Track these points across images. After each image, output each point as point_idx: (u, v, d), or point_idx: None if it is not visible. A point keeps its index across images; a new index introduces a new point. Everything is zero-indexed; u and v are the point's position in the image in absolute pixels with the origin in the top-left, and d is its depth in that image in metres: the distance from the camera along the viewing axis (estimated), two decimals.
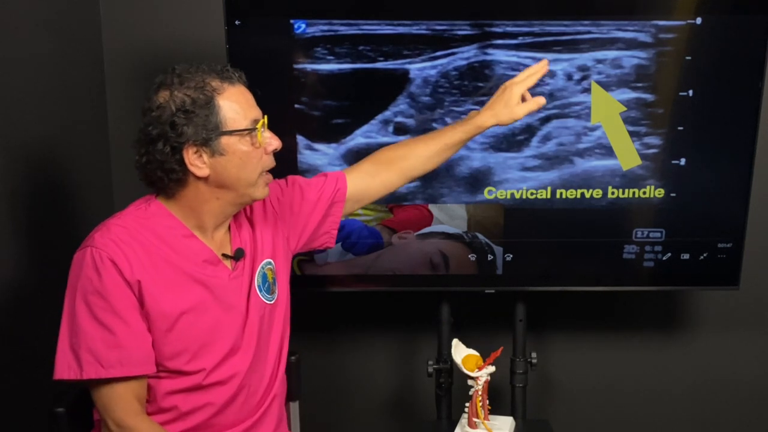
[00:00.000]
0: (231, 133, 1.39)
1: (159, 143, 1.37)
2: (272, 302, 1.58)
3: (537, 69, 1.65)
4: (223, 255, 1.51)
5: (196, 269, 1.47)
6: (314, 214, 1.66)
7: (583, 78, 1.92)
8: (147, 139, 1.39)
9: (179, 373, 1.45)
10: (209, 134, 1.37)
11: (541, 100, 1.65)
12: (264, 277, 1.56)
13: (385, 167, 1.70)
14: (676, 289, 2.31)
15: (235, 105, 1.40)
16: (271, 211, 1.62)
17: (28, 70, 1.83)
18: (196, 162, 1.39)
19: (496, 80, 1.92)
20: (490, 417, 1.87)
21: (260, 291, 1.55)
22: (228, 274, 1.50)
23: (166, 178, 1.41)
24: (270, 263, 1.59)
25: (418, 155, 1.69)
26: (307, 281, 2.06)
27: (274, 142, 1.46)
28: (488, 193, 2.00)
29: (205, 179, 1.41)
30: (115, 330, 1.38)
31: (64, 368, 1.39)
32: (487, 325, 2.31)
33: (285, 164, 1.95)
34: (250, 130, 1.41)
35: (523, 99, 1.65)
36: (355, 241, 2.03)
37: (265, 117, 1.46)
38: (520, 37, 1.90)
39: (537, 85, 1.66)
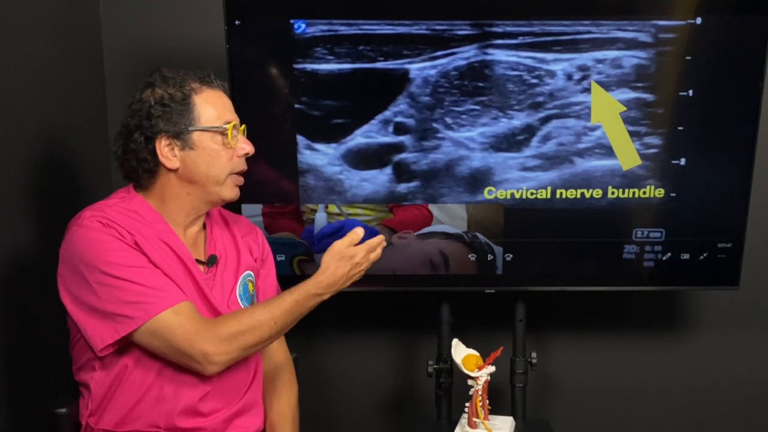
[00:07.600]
0: (203, 129, 1.46)
1: (135, 134, 1.46)
2: None
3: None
4: (197, 260, 1.54)
5: (178, 256, 1.51)
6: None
7: (583, 78, 1.92)
8: (126, 130, 1.47)
9: None
10: (182, 128, 1.44)
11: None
12: (245, 287, 1.60)
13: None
14: (676, 289, 2.31)
15: (210, 105, 1.47)
16: (255, 246, 1.68)
17: (29, 70, 1.82)
18: (168, 153, 1.46)
19: (495, 80, 1.92)
20: (490, 417, 1.87)
21: (241, 299, 1.58)
22: (201, 277, 1.53)
23: (139, 168, 1.47)
24: (251, 276, 1.63)
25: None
26: None
27: (246, 147, 1.52)
28: (488, 193, 2.00)
29: (175, 172, 1.47)
30: (139, 278, 1.41)
31: (106, 335, 1.40)
32: (487, 325, 2.31)
33: (285, 164, 1.97)
34: (221, 129, 1.47)
35: None
36: None
37: (244, 126, 1.54)
38: (520, 37, 1.90)
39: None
